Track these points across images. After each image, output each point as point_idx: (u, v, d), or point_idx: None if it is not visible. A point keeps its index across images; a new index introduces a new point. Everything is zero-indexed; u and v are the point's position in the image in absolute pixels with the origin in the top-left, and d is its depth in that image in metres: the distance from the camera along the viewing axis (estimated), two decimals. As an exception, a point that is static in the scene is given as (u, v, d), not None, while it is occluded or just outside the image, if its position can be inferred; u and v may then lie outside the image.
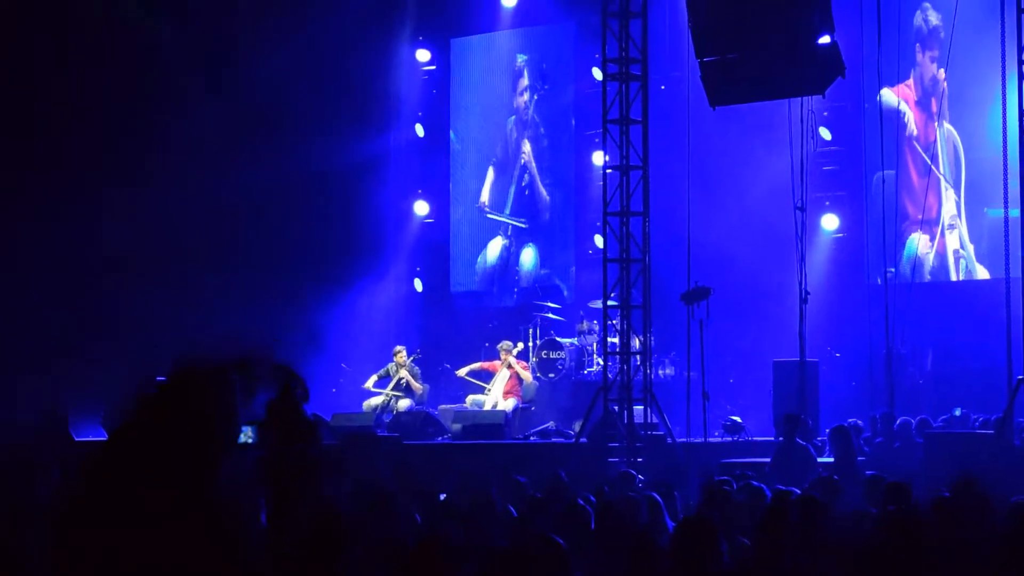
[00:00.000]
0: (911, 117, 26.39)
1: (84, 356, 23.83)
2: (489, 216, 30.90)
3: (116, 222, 24.90)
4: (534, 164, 30.54)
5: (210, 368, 4.56)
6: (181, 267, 26.12)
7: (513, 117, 30.79)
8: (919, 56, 26.55)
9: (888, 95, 26.18)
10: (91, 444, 19.46)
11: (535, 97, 30.64)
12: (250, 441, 5.34)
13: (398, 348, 25.62)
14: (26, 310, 24.52)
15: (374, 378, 25.54)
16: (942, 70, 25.64)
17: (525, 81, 30.74)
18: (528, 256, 30.60)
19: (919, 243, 26.18)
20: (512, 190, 30.76)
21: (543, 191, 30.45)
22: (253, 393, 4.75)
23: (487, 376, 25.61)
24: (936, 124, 26.19)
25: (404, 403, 24.86)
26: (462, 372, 25.79)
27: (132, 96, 26.02)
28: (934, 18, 26.29)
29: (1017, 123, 19.06)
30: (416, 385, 25.07)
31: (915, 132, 26.27)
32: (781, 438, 18.97)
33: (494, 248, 30.93)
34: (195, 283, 25.82)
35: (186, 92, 26.34)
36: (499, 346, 25.66)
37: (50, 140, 25.49)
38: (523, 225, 30.54)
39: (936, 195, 26.02)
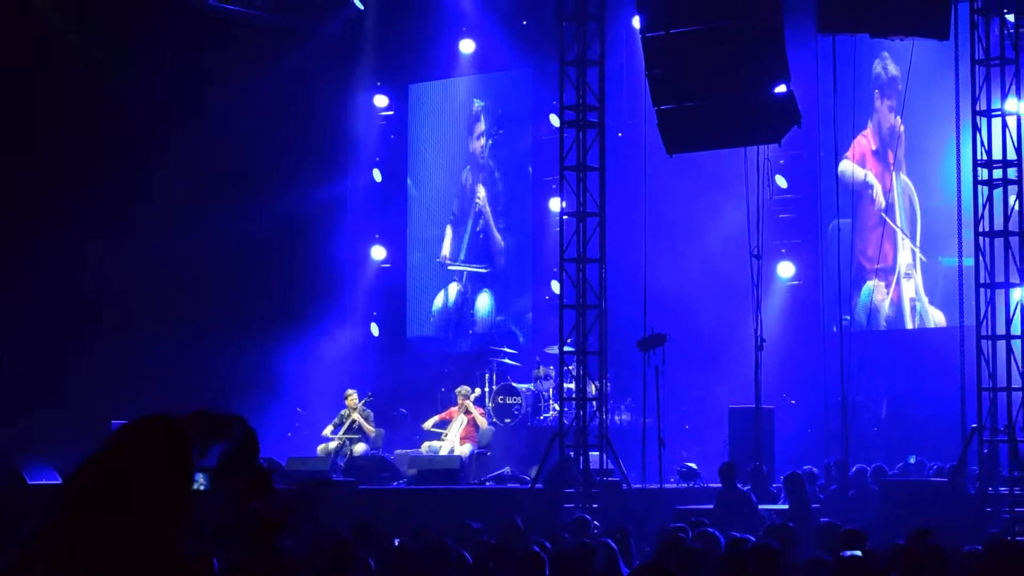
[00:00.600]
0: (872, 178, 26.55)
1: (41, 408, 23.70)
2: (451, 268, 30.92)
3: (71, 274, 24.86)
4: (488, 209, 30.59)
5: (168, 419, 4.53)
6: (138, 316, 26.04)
7: (468, 167, 30.85)
8: (878, 103, 26.73)
9: (847, 167, 26.40)
10: (47, 487, 19.35)
11: (490, 142, 30.71)
12: (202, 488, 5.31)
13: (349, 391, 25.55)
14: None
15: (331, 427, 25.44)
16: (899, 118, 25.82)
17: (482, 126, 30.82)
18: (484, 302, 30.61)
19: (875, 291, 26.30)
20: (467, 236, 30.79)
21: (498, 236, 30.49)
22: (208, 445, 4.72)
23: (448, 423, 25.56)
24: (892, 174, 26.34)
25: (359, 447, 24.78)
26: (428, 424, 25.69)
27: (90, 148, 26.00)
28: (892, 68, 26.49)
29: (971, 173, 19.22)
30: (368, 428, 24.99)
31: (880, 202, 26.39)
32: (721, 486, 19.03)
33: (450, 293, 30.93)
34: (152, 330, 25.71)
35: (147, 144, 26.36)
36: (457, 391, 25.63)
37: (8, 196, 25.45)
38: (482, 270, 30.57)
39: (892, 244, 26.17)
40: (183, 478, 4.43)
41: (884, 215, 26.09)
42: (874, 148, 26.84)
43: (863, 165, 26.70)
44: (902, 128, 25.93)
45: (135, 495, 4.32)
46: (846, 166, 26.48)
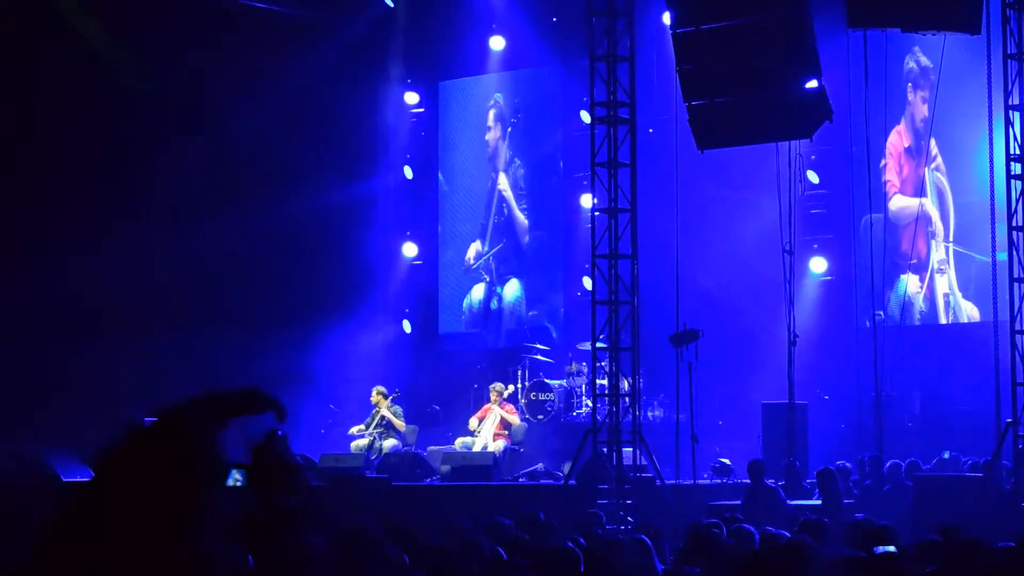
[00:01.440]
0: (930, 206, 26.50)
1: (68, 406, 23.77)
2: (474, 267, 30.95)
3: (104, 272, 24.94)
4: (511, 194, 30.59)
5: (193, 410, 4.54)
6: (172, 315, 26.13)
7: (494, 174, 30.87)
8: (911, 96, 26.65)
9: (901, 203, 26.38)
10: (79, 483, 19.39)
11: (509, 130, 30.72)
12: (239, 485, 5.33)
13: (376, 388, 25.55)
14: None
15: (357, 426, 25.44)
16: (927, 110, 25.79)
17: (495, 115, 30.90)
18: (512, 288, 30.61)
19: (908, 285, 26.22)
20: (491, 224, 30.81)
21: (520, 216, 30.49)
22: (226, 425, 4.72)
23: (489, 420, 25.59)
24: (925, 169, 26.26)
25: (389, 442, 24.80)
26: (473, 424, 25.61)
27: (112, 145, 26.07)
28: (924, 60, 26.40)
29: (1004, 168, 19.15)
30: (398, 422, 24.98)
31: (909, 211, 26.34)
32: (749, 482, 19.02)
33: (479, 290, 30.96)
34: (185, 329, 25.80)
35: (172, 141, 26.40)
36: (490, 387, 25.65)
37: (27, 193, 25.53)
38: (499, 246, 30.56)
39: (925, 239, 26.09)
40: (199, 474, 4.44)
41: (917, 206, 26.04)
42: (907, 145, 26.76)
43: (899, 167, 26.60)
44: (933, 143, 25.91)
45: (152, 492, 4.33)
46: (899, 202, 26.40)
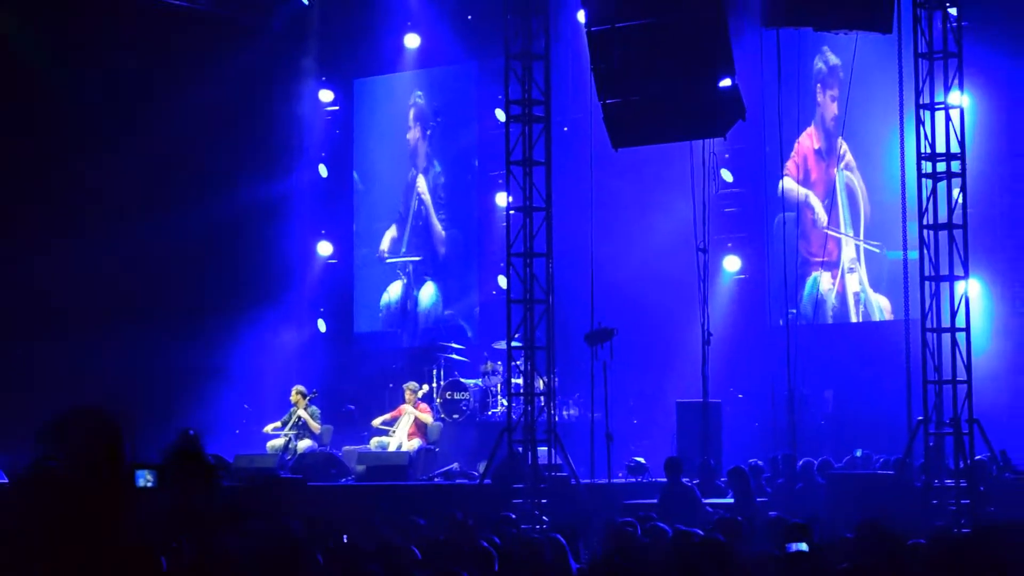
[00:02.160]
0: (814, 199, 26.67)
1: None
2: (388, 261, 30.90)
3: (18, 273, 24.75)
4: (429, 199, 30.57)
5: (100, 411, 4.48)
6: (85, 315, 25.89)
7: (414, 170, 30.84)
8: (819, 96, 26.85)
9: (789, 185, 26.58)
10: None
11: (428, 132, 30.70)
12: (150, 485, 5.27)
13: (296, 387, 25.42)
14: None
15: (272, 424, 25.31)
16: (837, 106, 26.04)
17: (414, 114, 30.88)
18: (427, 292, 30.60)
19: (820, 282, 26.41)
20: (408, 228, 30.78)
21: (438, 226, 30.48)
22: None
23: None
24: (836, 169, 26.45)
25: (304, 443, 24.68)
26: (377, 422, 25.58)
27: (34, 146, 25.85)
28: (833, 58, 26.60)
29: (915, 167, 19.30)
30: (313, 424, 24.84)
31: (821, 219, 26.49)
32: (665, 480, 19.07)
33: (395, 289, 30.91)
34: (99, 328, 25.57)
35: (89, 143, 26.18)
36: (405, 386, 25.57)
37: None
38: (415, 259, 30.57)
39: (836, 239, 26.29)
40: (119, 468, 4.39)
41: (825, 226, 26.20)
42: (817, 147, 26.95)
43: (805, 168, 26.76)
44: (843, 143, 26.13)
45: (74, 487, 4.28)
46: (788, 184, 26.63)
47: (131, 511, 4.39)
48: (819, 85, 26.82)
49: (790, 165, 26.50)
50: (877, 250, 26.09)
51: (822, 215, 26.57)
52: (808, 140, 26.83)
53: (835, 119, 26.56)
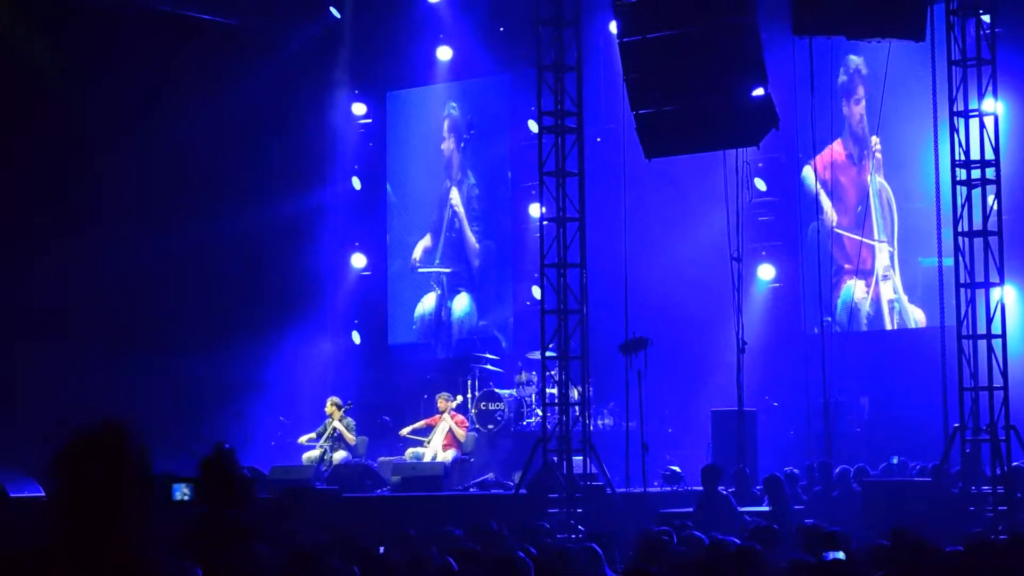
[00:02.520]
0: (824, 198, 26.61)
1: (12, 417, 23.65)
2: (420, 271, 30.95)
3: (50, 282, 24.85)
4: (463, 211, 30.62)
5: (123, 426, 4.50)
6: (120, 327, 26.02)
7: (448, 182, 30.89)
8: (845, 109, 26.76)
9: (808, 174, 26.56)
10: (27, 500, 19.29)
11: (462, 145, 30.75)
12: (187, 499, 5.32)
13: (331, 399, 25.47)
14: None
15: (307, 436, 25.36)
16: (865, 118, 26.09)
17: (448, 126, 30.92)
18: (461, 303, 30.64)
19: (855, 290, 26.36)
20: (442, 239, 30.83)
21: (472, 238, 30.53)
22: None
23: (430, 431, 25.51)
24: (868, 176, 26.42)
25: (340, 454, 24.71)
26: (406, 431, 25.64)
27: (58, 157, 25.95)
28: (855, 60, 26.51)
29: (949, 174, 19.26)
30: (348, 436, 24.87)
31: (833, 219, 26.44)
32: (703, 488, 19.03)
33: (429, 300, 30.95)
34: (135, 341, 25.70)
35: (121, 154, 26.30)
36: (438, 396, 25.59)
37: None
38: (446, 270, 30.63)
39: (869, 246, 26.22)
40: (141, 483, 4.41)
41: (846, 231, 26.15)
42: (847, 153, 26.87)
43: (833, 172, 26.67)
44: (876, 141, 26.08)
45: (97, 503, 4.30)
46: (807, 173, 26.61)
47: (151, 526, 4.41)
48: (843, 98, 26.75)
49: (817, 160, 26.39)
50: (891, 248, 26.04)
51: (831, 215, 26.49)
52: (839, 147, 26.75)
53: (861, 123, 26.54)
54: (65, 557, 4.24)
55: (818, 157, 26.18)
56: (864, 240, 25.92)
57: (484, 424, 26.18)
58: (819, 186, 26.44)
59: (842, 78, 26.74)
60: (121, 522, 4.29)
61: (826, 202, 26.57)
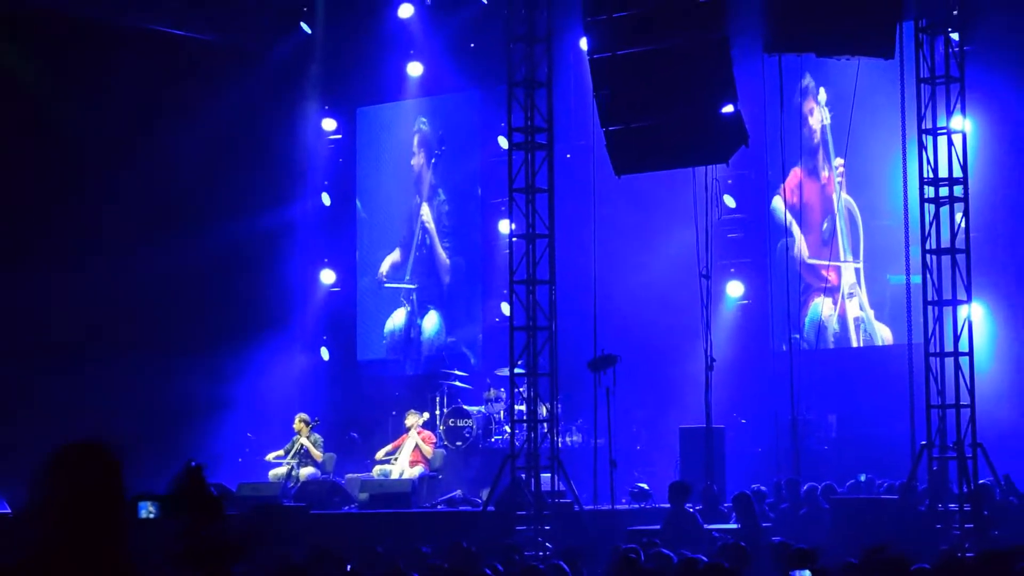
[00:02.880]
0: (796, 229, 26.71)
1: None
2: (387, 286, 30.90)
3: (20, 305, 24.80)
4: (433, 227, 30.61)
5: (101, 445, 4.48)
6: (89, 346, 25.94)
7: (418, 198, 30.86)
8: (805, 129, 26.82)
9: (778, 204, 26.66)
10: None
11: (433, 161, 30.74)
12: (152, 516, 5.27)
13: (299, 415, 25.40)
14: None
15: (274, 453, 25.30)
16: (823, 120, 26.25)
17: (418, 141, 30.92)
18: (431, 321, 30.61)
19: (822, 307, 26.41)
20: (412, 255, 30.80)
21: (442, 254, 30.51)
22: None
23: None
24: (834, 194, 26.50)
25: (306, 471, 24.65)
26: (381, 454, 25.56)
27: (35, 179, 25.93)
28: (808, 79, 26.63)
29: (917, 191, 19.32)
30: (315, 452, 24.81)
31: (805, 253, 26.55)
32: (670, 506, 19.03)
33: (399, 316, 30.90)
34: (102, 359, 25.62)
35: (92, 171, 26.27)
36: (408, 412, 25.56)
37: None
38: (411, 286, 30.59)
39: (836, 264, 26.30)
40: (118, 502, 4.39)
41: (813, 261, 26.22)
42: (809, 168, 26.94)
43: (800, 194, 26.75)
44: (840, 161, 26.16)
45: (75, 521, 4.28)
46: (777, 203, 26.72)
47: (128, 545, 4.38)
48: (809, 110, 26.85)
49: (784, 187, 26.49)
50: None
51: (804, 248, 26.60)
52: (800, 167, 26.85)
53: (822, 138, 26.65)
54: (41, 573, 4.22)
55: (784, 184, 26.23)
56: (831, 263, 26.00)
57: (452, 441, 26.15)
58: (789, 214, 26.54)
59: (797, 99, 26.82)
60: (98, 540, 4.27)
61: (798, 234, 26.65)
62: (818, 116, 26.87)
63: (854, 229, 26.43)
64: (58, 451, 4.43)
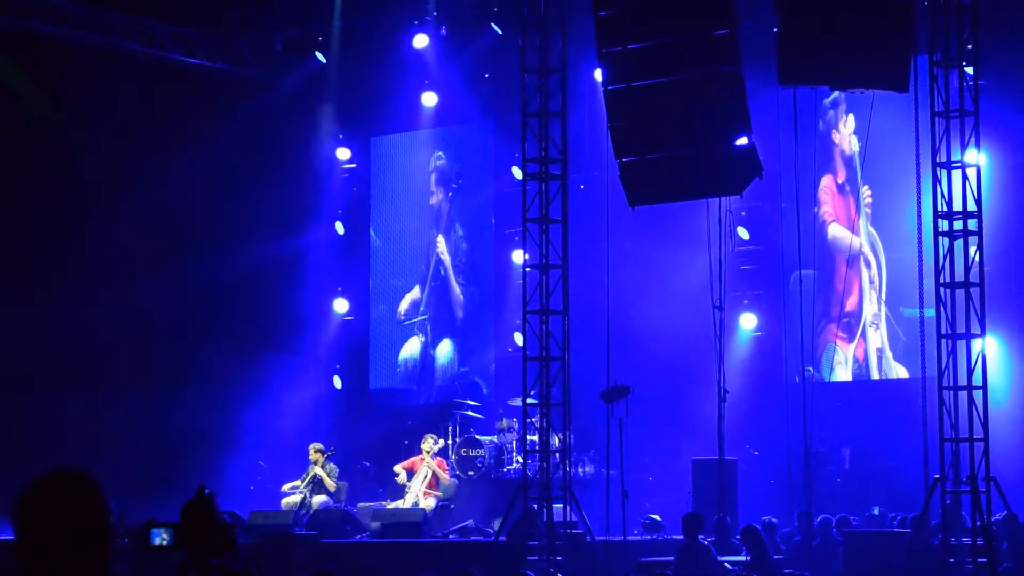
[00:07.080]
0: (867, 248, 26.69)
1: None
2: (405, 323, 30.94)
3: (36, 330, 24.85)
4: (448, 259, 30.63)
5: (83, 474, 4.48)
6: (101, 373, 26.04)
7: (434, 231, 30.89)
8: (836, 136, 26.88)
9: (839, 233, 26.66)
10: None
11: (450, 194, 30.78)
12: (165, 543, 5.27)
13: (313, 445, 25.40)
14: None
15: (290, 484, 25.29)
16: (854, 141, 26.27)
17: (436, 178, 30.96)
18: (444, 350, 30.61)
19: (838, 342, 26.37)
20: (427, 288, 30.81)
21: (457, 289, 30.53)
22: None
23: (411, 474, 25.44)
24: (859, 220, 26.49)
25: (319, 499, 24.66)
26: (399, 473, 25.50)
27: (45, 203, 26.00)
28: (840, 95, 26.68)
29: (932, 224, 19.29)
30: (329, 482, 24.82)
31: (846, 243, 26.55)
32: (683, 537, 18.99)
33: (414, 345, 30.90)
34: (115, 386, 25.69)
35: (105, 198, 26.35)
36: (426, 436, 25.56)
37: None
38: (422, 318, 30.60)
39: (858, 294, 26.27)
40: (104, 532, 4.38)
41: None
42: (839, 183, 26.96)
43: (834, 204, 26.79)
44: (867, 191, 26.17)
45: (57, 551, 4.27)
46: (837, 232, 26.68)
47: (113, 567, 4.36)
48: (832, 128, 26.89)
49: (827, 208, 26.53)
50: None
51: (874, 276, 26.55)
52: (828, 181, 26.88)
53: (851, 150, 26.67)
54: None
55: (826, 206, 26.35)
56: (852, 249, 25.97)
57: (464, 470, 26.11)
58: (856, 239, 26.48)
59: (829, 113, 26.83)
60: (81, 566, 4.26)
61: (871, 256, 26.57)
62: (847, 142, 26.89)
63: (876, 260, 26.41)
64: (35, 479, 4.42)
